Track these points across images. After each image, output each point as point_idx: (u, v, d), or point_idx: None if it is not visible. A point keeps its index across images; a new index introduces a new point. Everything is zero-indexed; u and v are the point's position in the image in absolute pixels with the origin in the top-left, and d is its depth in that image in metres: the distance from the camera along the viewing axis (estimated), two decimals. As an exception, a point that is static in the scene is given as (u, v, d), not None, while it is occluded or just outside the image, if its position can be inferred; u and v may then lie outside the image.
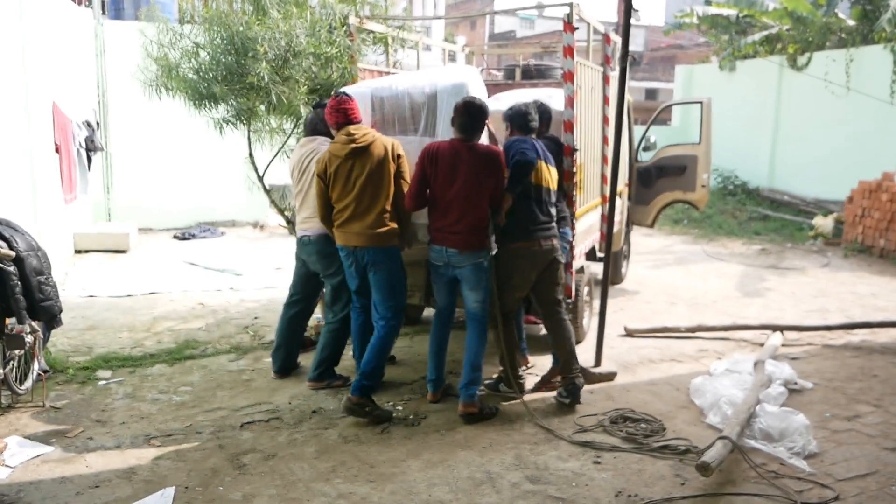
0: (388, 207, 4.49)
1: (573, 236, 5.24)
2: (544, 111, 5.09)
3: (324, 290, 5.29)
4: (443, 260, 4.54)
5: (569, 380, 4.73)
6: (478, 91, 4.83)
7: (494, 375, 4.99)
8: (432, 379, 4.77)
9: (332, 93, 5.35)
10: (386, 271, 4.53)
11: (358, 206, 4.46)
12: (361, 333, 4.85)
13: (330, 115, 4.57)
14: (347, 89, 4.92)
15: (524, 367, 5.11)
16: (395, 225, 4.53)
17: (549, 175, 4.68)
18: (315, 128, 5.04)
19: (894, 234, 9.95)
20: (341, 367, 5.12)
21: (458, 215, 4.40)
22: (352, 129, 4.50)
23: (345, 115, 4.52)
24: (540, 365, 5.33)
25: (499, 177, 4.47)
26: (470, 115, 4.41)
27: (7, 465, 3.85)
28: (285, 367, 5.25)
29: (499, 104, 5.29)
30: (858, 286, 8.49)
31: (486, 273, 4.55)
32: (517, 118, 4.72)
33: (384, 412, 4.50)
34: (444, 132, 4.66)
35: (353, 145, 4.44)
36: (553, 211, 4.71)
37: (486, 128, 4.56)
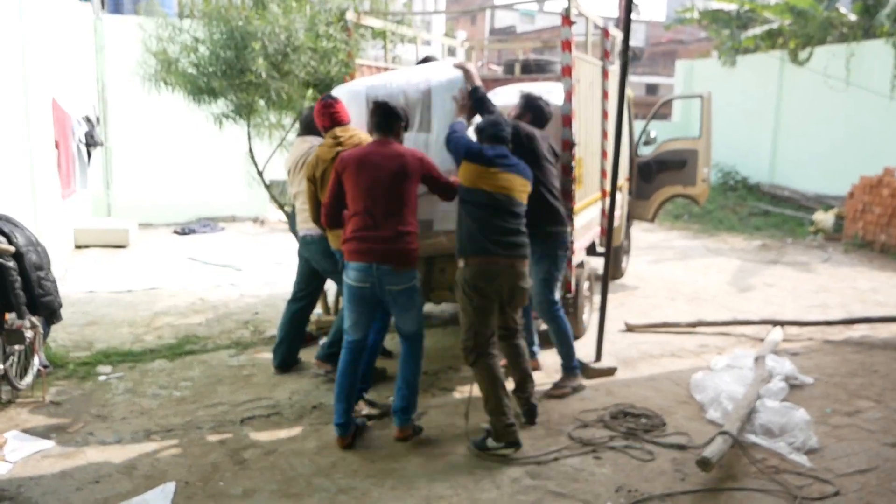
0: None
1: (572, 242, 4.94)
2: (542, 112, 4.82)
3: (325, 288, 5.28)
4: (369, 280, 3.97)
5: (523, 400, 4.39)
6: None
7: (483, 425, 4.15)
8: (340, 423, 4.07)
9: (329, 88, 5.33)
10: None
11: None
12: None
13: (317, 118, 4.56)
14: (341, 88, 4.91)
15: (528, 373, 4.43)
16: None
17: (519, 186, 4.17)
18: (308, 125, 5.03)
19: (895, 229, 9.94)
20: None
21: (383, 217, 3.98)
22: (338, 131, 4.48)
23: (331, 118, 4.50)
24: (548, 364, 5.31)
25: (415, 180, 4.06)
26: (380, 114, 4.14)
27: (7, 461, 3.85)
28: (286, 363, 5.26)
29: (498, 99, 5.26)
30: (859, 281, 8.49)
31: (418, 290, 4.18)
32: (488, 128, 4.23)
33: (382, 407, 4.49)
34: (440, 128, 4.61)
35: (340, 148, 4.41)
36: (523, 226, 4.19)
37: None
